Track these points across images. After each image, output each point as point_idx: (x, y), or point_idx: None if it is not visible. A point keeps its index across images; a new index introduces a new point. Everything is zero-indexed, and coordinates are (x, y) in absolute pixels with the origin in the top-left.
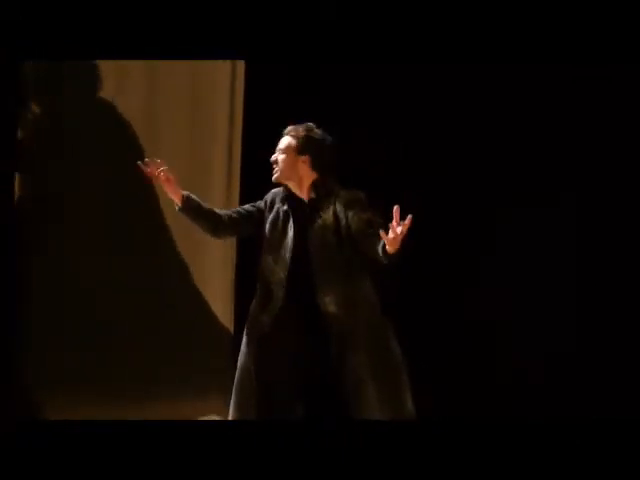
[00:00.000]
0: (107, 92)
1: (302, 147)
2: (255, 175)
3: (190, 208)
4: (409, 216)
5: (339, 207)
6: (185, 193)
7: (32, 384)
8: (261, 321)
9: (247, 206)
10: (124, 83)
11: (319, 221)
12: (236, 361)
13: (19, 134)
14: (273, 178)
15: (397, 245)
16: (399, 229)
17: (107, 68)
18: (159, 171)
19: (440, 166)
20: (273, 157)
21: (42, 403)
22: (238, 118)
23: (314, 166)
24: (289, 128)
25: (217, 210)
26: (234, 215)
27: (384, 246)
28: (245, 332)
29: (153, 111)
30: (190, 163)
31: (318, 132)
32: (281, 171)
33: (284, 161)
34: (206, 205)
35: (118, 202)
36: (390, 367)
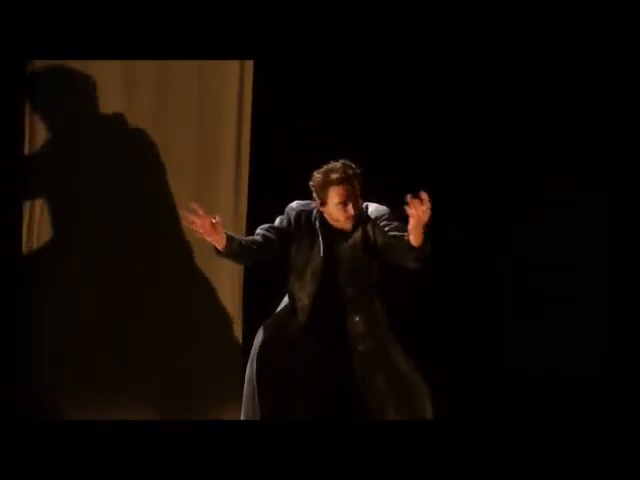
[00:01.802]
0: (115, 92)
1: (361, 189)
2: (263, 175)
3: (232, 252)
4: (423, 195)
5: (369, 225)
6: (227, 236)
7: (41, 385)
8: (281, 335)
9: (276, 225)
10: (132, 83)
11: (350, 241)
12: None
13: (27, 133)
14: (347, 228)
15: (420, 230)
16: (416, 211)
17: (116, 68)
18: (212, 222)
19: (451, 167)
20: (350, 212)
21: (52, 404)
22: (246, 117)
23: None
24: (347, 173)
25: (253, 239)
26: (270, 235)
27: (410, 247)
28: (261, 342)
29: (162, 111)
30: (198, 162)
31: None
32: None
33: (357, 210)
34: (244, 240)
35: (128, 203)
36: (409, 385)
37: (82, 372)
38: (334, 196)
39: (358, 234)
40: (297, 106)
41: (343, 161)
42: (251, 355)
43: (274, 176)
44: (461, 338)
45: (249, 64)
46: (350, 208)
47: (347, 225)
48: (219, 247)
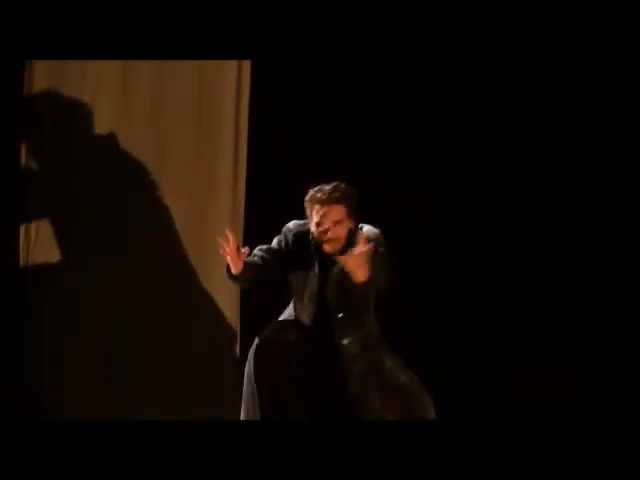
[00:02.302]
0: (113, 92)
1: (352, 213)
2: (261, 175)
3: (244, 276)
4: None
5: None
6: (245, 264)
7: (41, 385)
8: (281, 336)
9: (274, 247)
10: (130, 83)
11: (340, 265)
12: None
13: (26, 133)
14: (330, 251)
15: (352, 268)
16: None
17: (115, 68)
18: (242, 252)
19: (451, 167)
20: (326, 229)
21: (52, 404)
22: (244, 117)
23: (353, 221)
24: (329, 195)
25: (252, 261)
26: (267, 257)
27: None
28: (260, 342)
29: (160, 111)
30: (196, 163)
31: (351, 188)
32: (341, 244)
33: (343, 234)
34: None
35: (128, 204)
36: (411, 395)
37: (82, 372)
38: (314, 215)
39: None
40: (295, 106)
41: (338, 183)
42: (250, 355)
43: (272, 176)
44: (461, 338)
45: (247, 64)
46: (327, 230)
47: (328, 248)
48: (234, 271)
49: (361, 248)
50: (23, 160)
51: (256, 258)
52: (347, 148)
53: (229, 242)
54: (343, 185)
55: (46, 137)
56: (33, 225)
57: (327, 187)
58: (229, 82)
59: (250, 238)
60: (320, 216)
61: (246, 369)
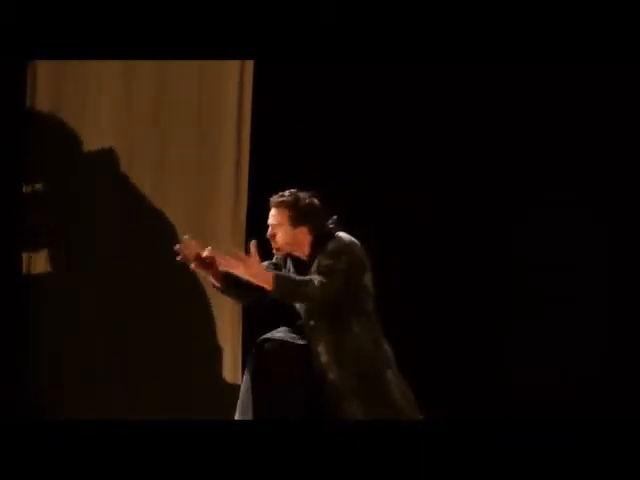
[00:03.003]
0: (115, 92)
1: (296, 219)
2: (263, 175)
3: (229, 286)
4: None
5: (322, 256)
6: (222, 271)
7: (41, 385)
8: (281, 337)
9: (273, 260)
10: (132, 83)
11: (310, 270)
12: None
13: (28, 133)
14: (274, 252)
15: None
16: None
17: (116, 68)
18: (205, 258)
19: (451, 167)
20: (269, 233)
21: (52, 404)
22: (246, 117)
23: (311, 230)
24: (275, 199)
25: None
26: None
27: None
28: (260, 341)
29: (162, 111)
30: (198, 162)
31: (305, 198)
32: (281, 246)
33: (282, 237)
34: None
35: (128, 204)
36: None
37: (82, 372)
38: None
39: (315, 265)
40: (297, 106)
41: (293, 190)
42: (249, 355)
43: (274, 176)
44: (461, 338)
45: (249, 64)
46: (272, 232)
47: (275, 251)
48: (215, 281)
49: (245, 258)
50: (24, 160)
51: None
52: (348, 148)
53: (189, 249)
54: (293, 191)
55: (47, 137)
56: (34, 226)
57: (281, 192)
58: (231, 82)
59: (252, 238)
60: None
61: (246, 369)
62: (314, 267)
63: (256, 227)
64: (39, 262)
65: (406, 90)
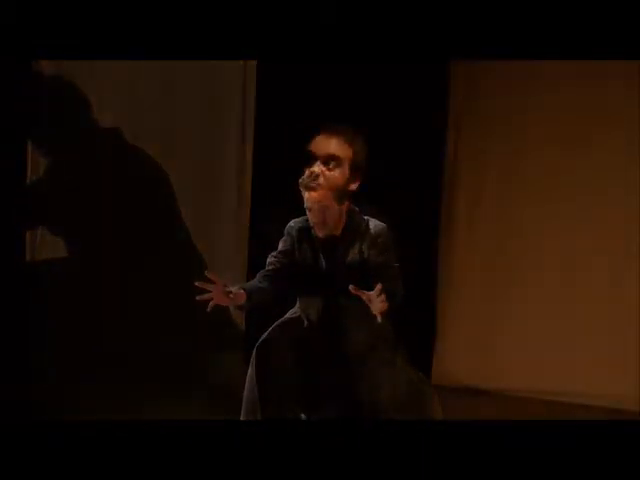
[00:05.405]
0: (119, 92)
1: (359, 163)
2: (267, 175)
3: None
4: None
5: (365, 244)
6: (245, 291)
7: (41, 385)
8: (284, 335)
9: (282, 248)
10: (135, 84)
11: (349, 254)
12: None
13: (29, 133)
14: (308, 199)
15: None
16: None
17: (119, 68)
18: (227, 294)
19: (451, 166)
20: (317, 167)
21: (52, 404)
22: (250, 118)
23: (350, 201)
24: (335, 128)
25: (264, 273)
26: (282, 261)
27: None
28: (263, 341)
29: (165, 112)
30: (202, 162)
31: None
32: (326, 192)
33: (337, 178)
34: (260, 283)
35: (130, 203)
36: (420, 393)
37: (82, 372)
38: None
39: (355, 250)
40: (300, 106)
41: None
42: (253, 354)
43: (277, 176)
44: (460, 338)
45: (252, 64)
46: (321, 169)
47: (322, 233)
48: (238, 303)
49: (377, 302)
50: (29, 157)
51: (270, 266)
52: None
53: (212, 285)
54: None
55: (48, 137)
56: (38, 224)
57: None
58: (234, 83)
59: (255, 239)
60: (308, 201)
61: (249, 369)
62: (355, 253)
63: (258, 228)
64: (42, 261)
65: (406, 90)
